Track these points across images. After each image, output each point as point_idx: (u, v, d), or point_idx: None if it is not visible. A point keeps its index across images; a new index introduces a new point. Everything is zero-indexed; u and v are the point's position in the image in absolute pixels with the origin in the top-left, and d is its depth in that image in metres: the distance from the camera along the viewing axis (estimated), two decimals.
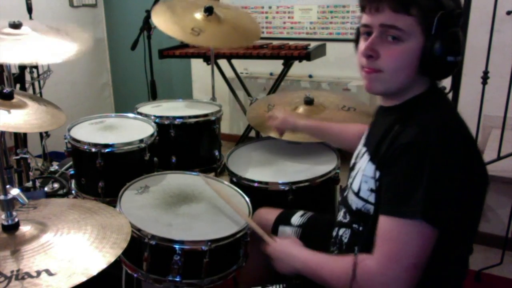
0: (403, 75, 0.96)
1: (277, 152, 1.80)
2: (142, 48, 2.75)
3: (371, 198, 1.01)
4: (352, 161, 1.16)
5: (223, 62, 3.28)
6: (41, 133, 2.80)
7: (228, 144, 3.46)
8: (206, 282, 1.27)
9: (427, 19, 0.91)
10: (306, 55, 2.83)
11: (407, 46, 0.94)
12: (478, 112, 2.27)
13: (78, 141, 1.68)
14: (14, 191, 1.02)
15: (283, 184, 1.54)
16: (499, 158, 2.29)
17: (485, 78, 2.19)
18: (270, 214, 1.45)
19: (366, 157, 1.06)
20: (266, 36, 3.67)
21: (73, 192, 1.81)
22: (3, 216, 1.00)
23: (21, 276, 0.86)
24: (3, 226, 0.99)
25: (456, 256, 1.01)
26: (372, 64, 0.97)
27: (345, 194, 1.15)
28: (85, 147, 1.66)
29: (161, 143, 1.82)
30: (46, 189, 2.32)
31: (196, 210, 1.40)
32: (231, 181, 1.64)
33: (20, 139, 2.22)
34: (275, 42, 3.15)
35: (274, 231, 1.42)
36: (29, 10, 2.74)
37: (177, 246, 1.22)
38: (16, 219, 1.00)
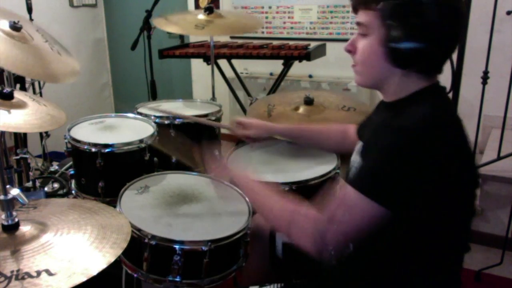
0: (373, 67, 1.02)
1: (277, 152, 1.80)
2: (142, 48, 2.75)
3: None
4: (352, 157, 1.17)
5: (223, 62, 3.28)
6: (41, 133, 2.80)
7: (228, 144, 3.46)
8: (206, 282, 1.26)
9: (385, 12, 0.95)
10: (306, 55, 2.83)
11: (370, 39, 1.00)
12: (478, 112, 2.27)
13: (78, 141, 1.68)
14: (14, 191, 1.02)
15: (283, 184, 1.54)
16: (499, 158, 2.29)
17: (485, 78, 2.19)
18: None
19: (359, 149, 1.09)
20: (266, 36, 3.67)
21: (73, 192, 1.81)
22: (3, 216, 0.99)
23: (21, 276, 0.86)
24: (3, 226, 0.99)
25: (444, 253, 1.01)
26: (353, 59, 1.07)
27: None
28: (85, 147, 1.66)
29: (161, 143, 1.82)
30: (46, 189, 2.32)
31: (196, 210, 1.40)
32: (231, 181, 1.63)
33: (20, 139, 2.22)
34: (275, 42, 3.15)
35: (272, 232, 1.42)
36: (29, 10, 2.74)
37: (177, 246, 1.22)
38: (16, 219, 1.00)
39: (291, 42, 3.14)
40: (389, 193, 0.91)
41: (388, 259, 1.01)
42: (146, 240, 1.23)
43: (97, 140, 1.66)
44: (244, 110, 3.40)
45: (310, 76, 3.58)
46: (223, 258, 1.30)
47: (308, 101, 1.87)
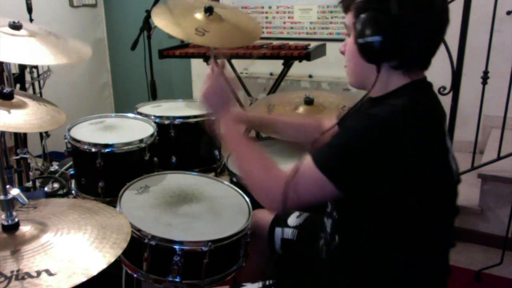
0: (356, 66, 1.06)
1: (277, 152, 1.80)
2: (142, 48, 2.75)
3: None
4: None
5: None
6: (41, 133, 2.80)
7: None
8: (206, 283, 1.27)
9: (356, 10, 0.99)
10: (306, 55, 2.83)
11: (349, 40, 1.05)
12: (478, 112, 2.27)
13: (78, 141, 1.68)
14: (14, 191, 1.02)
15: None
16: (499, 158, 2.29)
17: (485, 78, 2.19)
18: (266, 215, 1.46)
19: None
20: (266, 36, 3.66)
21: (73, 192, 1.81)
22: (3, 216, 0.99)
23: (21, 276, 0.86)
24: (3, 226, 0.99)
25: (425, 246, 1.01)
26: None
27: None
28: (85, 147, 1.66)
29: (161, 143, 1.82)
30: (46, 189, 2.32)
31: (196, 210, 1.40)
32: (231, 181, 1.64)
33: (20, 139, 2.22)
34: (275, 42, 3.15)
35: (270, 232, 1.42)
36: (29, 10, 2.74)
37: (177, 247, 1.22)
38: (16, 219, 1.00)
39: (291, 42, 3.13)
40: (340, 172, 0.93)
41: (373, 250, 1.03)
42: (146, 240, 1.23)
43: (97, 140, 1.67)
44: (244, 110, 3.39)
45: (310, 76, 3.57)
46: (223, 258, 1.30)
47: (308, 101, 1.87)
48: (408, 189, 0.94)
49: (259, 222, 1.43)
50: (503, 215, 2.31)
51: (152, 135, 1.76)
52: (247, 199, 1.45)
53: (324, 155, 0.96)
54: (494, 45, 2.18)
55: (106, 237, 1.00)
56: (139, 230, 1.25)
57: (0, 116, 1.19)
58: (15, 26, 1.48)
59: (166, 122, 1.90)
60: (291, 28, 3.65)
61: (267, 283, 1.17)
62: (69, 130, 1.77)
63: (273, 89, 3.25)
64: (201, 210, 1.40)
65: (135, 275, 1.31)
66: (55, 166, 2.58)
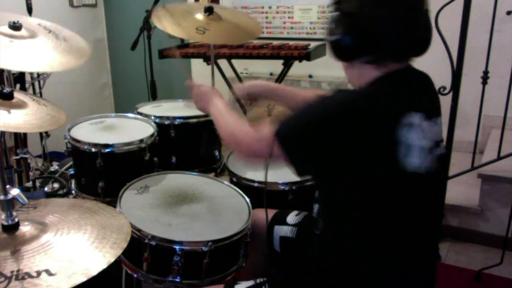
0: (342, 65, 1.09)
1: None
2: (142, 48, 2.75)
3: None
4: None
5: (223, 62, 3.28)
6: (41, 133, 2.80)
7: None
8: (206, 283, 1.26)
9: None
10: (306, 55, 2.83)
11: None
12: (478, 112, 2.27)
13: (78, 141, 1.68)
14: (14, 191, 1.02)
15: (283, 184, 1.54)
16: (499, 158, 2.29)
17: (485, 78, 2.19)
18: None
19: None
20: (266, 36, 3.66)
21: (73, 192, 1.81)
22: (3, 216, 0.99)
23: (21, 276, 0.86)
24: (3, 226, 0.99)
25: (390, 240, 1.01)
26: None
27: None
28: (85, 147, 1.66)
29: (161, 143, 1.82)
30: (46, 189, 2.32)
31: (196, 210, 1.40)
32: (231, 181, 1.64)
33: (20, 139, 2.22)
34: (275, 42, 3.15)
35: (269, 231, 1.42)
36: (29, 10, 2.74)
37: (177, 247, 1.22)
38: (16, 219, 1.00)
39: (291, 42, 3.13)
40: (288, 141, 0.99)
41: (351, 239, 1.03)
42: (146, 241, 1.23)
43: (97, 140, 1.66)
44: (244, 110, 3.39)
45: (310, 76, 3.57)
46: (223, 258, 1.30)
47: None
48: (356, 176, 0.96)
49: (258, 222, 1.42)
50: (503, 215, 2.31)
51: (152, 135, 1.76)
52: (247, 199, 1.45)
53: (281, 122, 1.02)
54: (494, 45, 2.18)
55: (106, 237, 1.00)
56: (139, 230, 1.25)
57: (0, 116, 1.19)
58: (15, 27, 1.48)
59: (166, 122, 1.90)
60: (291, 28, 3.65)
61: (258, 281, 1.17)
62: (69, 130, 1.77)
63: None
64: (201, 210, 1.40)
65: (135, 275, 1.31)
66: (55, 166, 2.58)
